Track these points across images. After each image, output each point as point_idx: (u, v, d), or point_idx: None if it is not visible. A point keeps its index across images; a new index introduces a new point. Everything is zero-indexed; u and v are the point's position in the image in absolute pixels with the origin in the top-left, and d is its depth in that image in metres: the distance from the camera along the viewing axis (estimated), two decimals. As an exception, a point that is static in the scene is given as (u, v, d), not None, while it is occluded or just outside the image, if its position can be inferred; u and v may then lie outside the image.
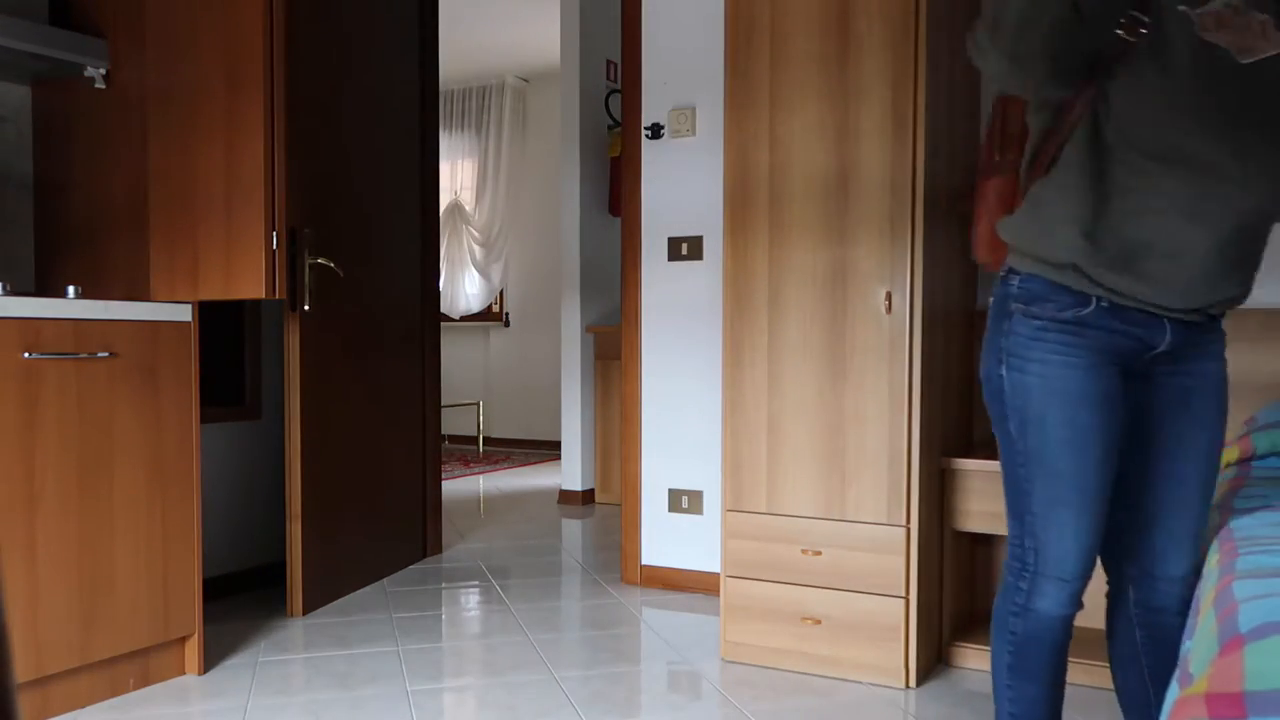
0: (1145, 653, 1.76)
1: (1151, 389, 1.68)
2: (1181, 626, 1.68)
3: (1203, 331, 1.65)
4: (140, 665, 2.55)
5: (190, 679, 2.64)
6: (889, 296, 2.57)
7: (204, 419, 3.18)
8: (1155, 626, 1.74)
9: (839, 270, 2.64)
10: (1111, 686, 2.44)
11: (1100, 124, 1.52)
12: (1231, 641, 0.96)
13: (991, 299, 1.72)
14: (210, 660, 2.77)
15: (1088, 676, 2.54)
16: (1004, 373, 1.64)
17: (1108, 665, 2.31)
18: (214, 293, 2.68)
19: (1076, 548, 1.63)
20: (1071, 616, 1.70)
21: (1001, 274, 1.70)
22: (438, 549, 4.08)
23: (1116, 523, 1.72)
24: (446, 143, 7.69)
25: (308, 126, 3.16)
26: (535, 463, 6.95)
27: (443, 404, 5.40)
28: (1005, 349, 1.64)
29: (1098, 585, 1.75)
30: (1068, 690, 1.81)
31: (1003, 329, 1.66)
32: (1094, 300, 1.57)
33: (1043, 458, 1.62)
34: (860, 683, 2.61)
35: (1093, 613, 1.82)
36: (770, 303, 2.72)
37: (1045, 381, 1.60)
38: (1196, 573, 1.71)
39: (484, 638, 3.04)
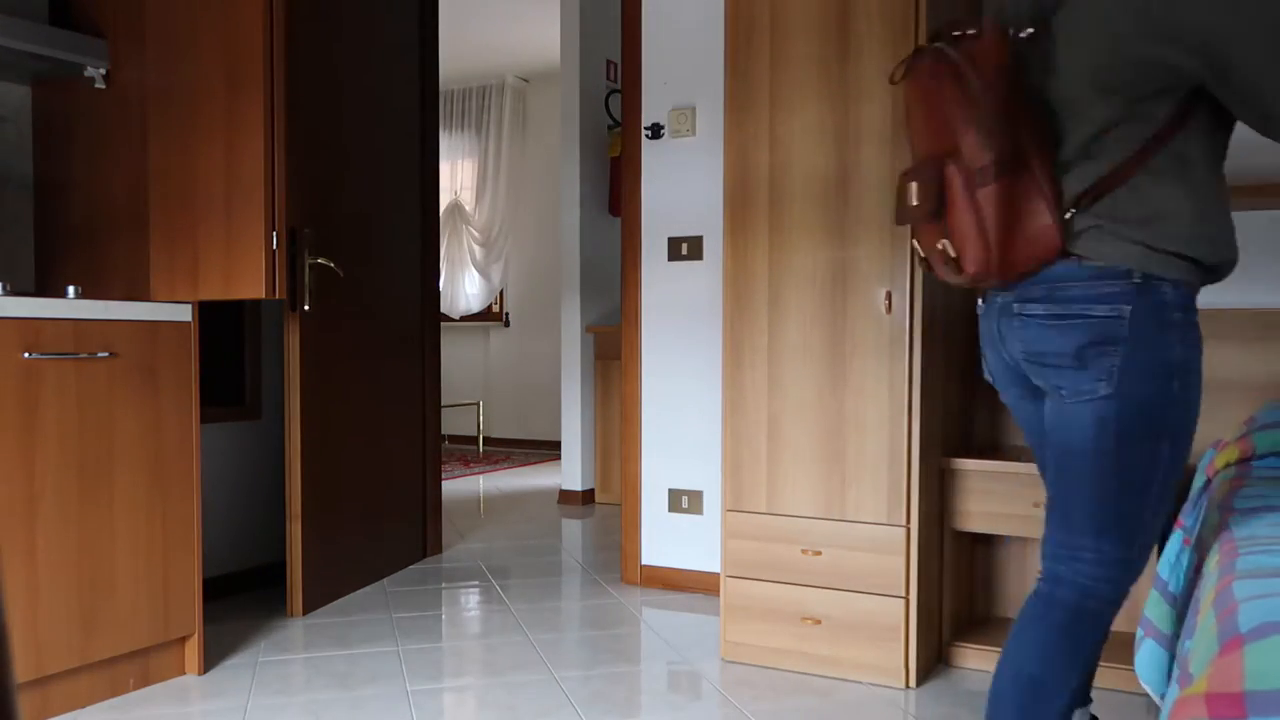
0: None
1: None
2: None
3: None
4: (140, 665, 2.55)
5: (190, 679, 2.64)
6: (889, 297, 2.57)
7: (204, 419, 3.19)
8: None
9: (839, 270, 2.64)
10: (1111, 686, 2.44)
11: (1206, 123, 1.55)
12: (1231, 641, 0.96)
13: (1132, 309, 1.52)
14: (210, 660, 2.77)
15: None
16: (1176, 389, 1.55)
17: (1111, 665, 2.31)
18: (214, 293, 2.68)
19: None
20: None
21: (1136, 281, 1.52)
22: (438, 549, 4.09)
23: None
24: (446, 143, 7.69)
25: (308, 126, 3.16)
26: (535, 463, 6.95)
27: (443, 404, 5.40)
28: (1177, 364, 1.54)
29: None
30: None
31: (1169, 342, 1.54)
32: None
33: (1178, 470, 1.59)
34: (860, 683, 2.61)
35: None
36: (770, 303, 2.72)
37: (1199, 391, 1.58)
38: None
39: (484, 638, 3.04)
